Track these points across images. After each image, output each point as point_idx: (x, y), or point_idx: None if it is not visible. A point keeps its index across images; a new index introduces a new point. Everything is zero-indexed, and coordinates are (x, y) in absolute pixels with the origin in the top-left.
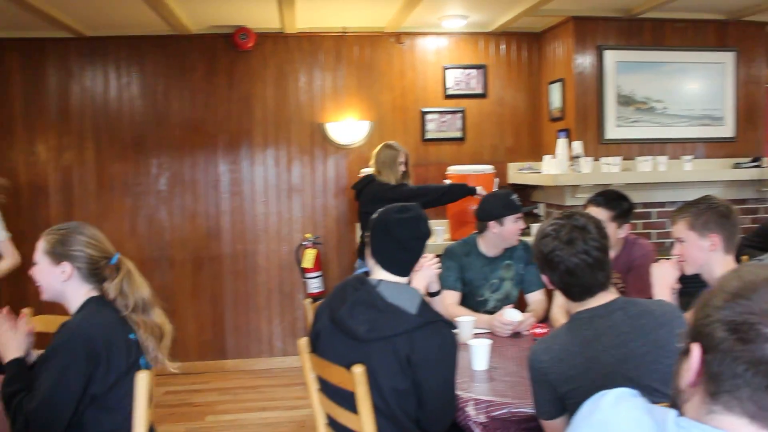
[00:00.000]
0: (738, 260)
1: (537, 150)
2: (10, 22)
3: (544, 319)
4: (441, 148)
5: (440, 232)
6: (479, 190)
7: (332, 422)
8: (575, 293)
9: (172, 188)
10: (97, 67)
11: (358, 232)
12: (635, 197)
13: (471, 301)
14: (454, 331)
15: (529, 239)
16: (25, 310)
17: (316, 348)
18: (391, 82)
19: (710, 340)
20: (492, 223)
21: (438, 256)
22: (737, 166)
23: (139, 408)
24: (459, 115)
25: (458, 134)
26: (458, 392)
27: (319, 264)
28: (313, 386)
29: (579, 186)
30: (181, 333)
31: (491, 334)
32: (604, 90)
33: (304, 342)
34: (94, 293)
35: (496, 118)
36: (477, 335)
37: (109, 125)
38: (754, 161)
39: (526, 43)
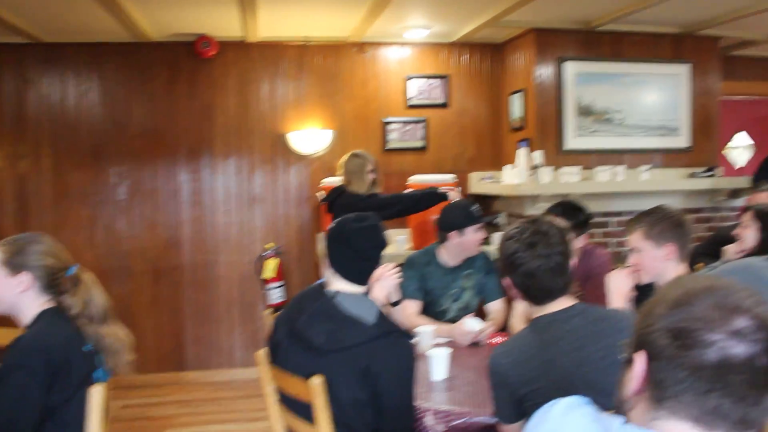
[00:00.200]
0: (692, 268)
1: (498, 160)
2: None
3: (504, 328)
4: (403, 158)
5: (402, 242)
6: (452, 195)
7: None
8: (535, 296)
9: (132, 197)
10: (55, 73)
11: (321, 243)
12: (594, 206)
13: (432, 311)
14: (414, 341)
15: (490, 249)
16: None
17: (274, 359)
18: (354, 92)
19: (654, 348)
20: (453, 233)
21: (399, 265)
22: (693, 175)
23: (93, 422)
24: (421, 124)
25: (420, 144)
26: (417, 402)
27: (281, 274)
28: (272, 398)
29: (539, 196)
30: (140, 344)
31: (451, 344)
32: (564, 101)
33: (262, 353)
34: (49, 305)
35: (458, 128)
36: (437, 345)
37: (66, 133)
38: (708, 171)
39: (487, 54)
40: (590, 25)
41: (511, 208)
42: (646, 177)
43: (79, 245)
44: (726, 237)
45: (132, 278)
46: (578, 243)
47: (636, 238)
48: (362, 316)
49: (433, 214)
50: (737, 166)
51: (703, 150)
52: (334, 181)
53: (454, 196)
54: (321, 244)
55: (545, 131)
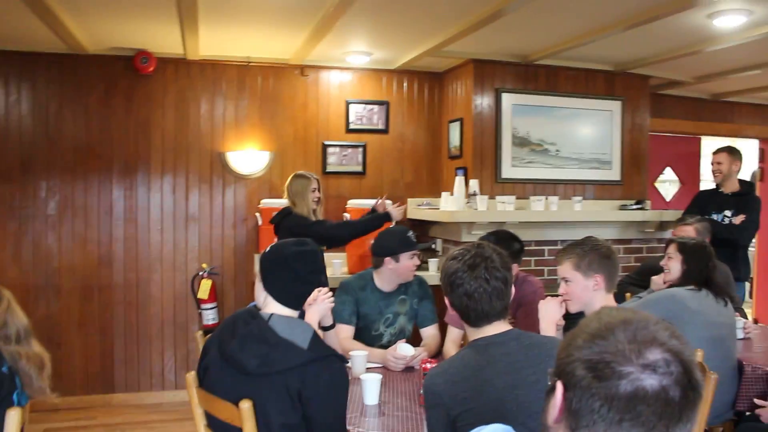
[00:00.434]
0: (623, 297)
1: (436, 186)
2: None
3: (438, 353)
4: (341, 182)
5: (339, 266)
6: (395, 214)
7: None
8: (472, 318)
9: (62, 212)
10: None
11: (257, 264)
12: (528, 235)
13: (366, 335)
14: (347, 365)
15: (425, 274)
16: None
17: (204, 382)
18: (294, 114)
19: (571, 378)
20: (387, 259)
21: (332, 289)
22: (623, 207)
23: None
24: (360, 149)
25: (359, 168)
26: (349, 427)
27: (215, 295)
28: (201, 422)
29: (475, 223)
30: (66, 365)
31: (384, 369)
32: (501, 131)
33: (191, 376)
34: None
35: (397, 154)
36: (370, 369)
37: None
38: (638, 203)
39: (427, 82)
40: (527, 59)
41: (448, 235)
42: (579, 208)
43: (4, 261)
44: (654, 267)
45: (60, 296)
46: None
47: (565, 269)
48: (296, 340)
49: (371, 238)
50: (668, 199)
51: (633, 183)
52: (273, 202)
53: (397, 215)
54: (257, 266)
55: (483, 160)
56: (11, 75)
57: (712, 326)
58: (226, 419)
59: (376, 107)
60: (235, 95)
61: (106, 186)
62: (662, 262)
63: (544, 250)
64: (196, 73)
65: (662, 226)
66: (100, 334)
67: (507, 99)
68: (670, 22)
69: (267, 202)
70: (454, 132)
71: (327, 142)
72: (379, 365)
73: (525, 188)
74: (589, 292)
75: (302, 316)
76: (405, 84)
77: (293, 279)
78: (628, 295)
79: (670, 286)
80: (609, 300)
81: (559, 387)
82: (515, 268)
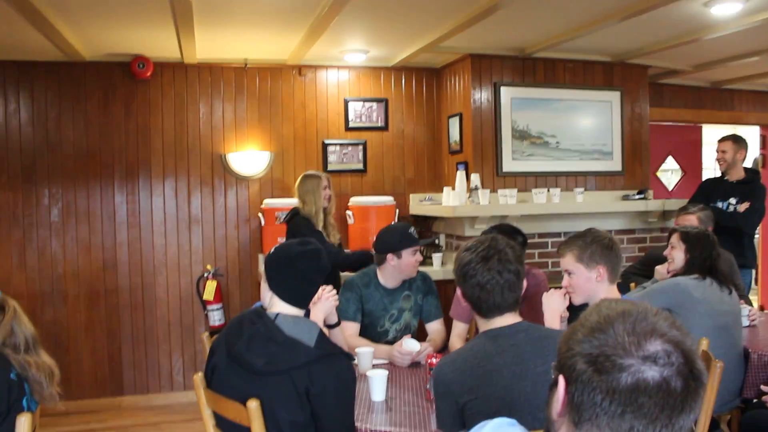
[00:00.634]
0: (627, 288)
1: (438, 182)
2: None
3: (443, 348)
4: (342, 180)
5: None
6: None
7: None
8: (484, 309)
9: (66, 219)
10: None
11: (261, 264)
12: (531, 228)
13: (372, 332)
14: (353, 362)
15: (429, 270)
16: None
17: (211, 383)
18: (293, 114)
19: (572, 372)
20: (390, 256)
21: (336, 288)
22: (625, 198)
23: None
24: (360, 147)
25: (359, 166)
26: (357, 423)
27: (220, 296)
28: (210, 422)
29: (477, 217)
30: (76, 369)
31: (390, 365)
32: (501, 124)
33: (199, 377)
34: None
35: (397, 150)
36: (376, 366)
37: None
38: (640, 193)
39: (425, 78)
40: (525, 52)
41: (451, 230)
42: (581, 199)
43: (10, 269)
44: (657, 257)
45: (66, 302)
46: None
47: (568, 261)
48: (302, 338)
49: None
50: (671, 188)
51: (634, 173)
52: (275, 202)
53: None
54: (262, 266)
55: (483, 154)
56: (9, 84)
57: (717, 315)
58: (234, 419)
59: (375, 105)
60: (233, 97)
61: (108, 191)
62: (665, 252)
63: (548, 242)
64: (194, 76)
65: (665, 215)
66: (108, 337)
67: (505, 93)
68: (667, 12)
69: (269, 203)
70: (454, 127)
71: (327, 141)
72: (386, 361)
73: (526, 181)
74: (592, 283)
75: (308, 314)
76: (403, 80)
77: (298, 278)
78: (632, 285)
79: (674, 275)
80: (612, 291)
81: (561, 381)
82: None
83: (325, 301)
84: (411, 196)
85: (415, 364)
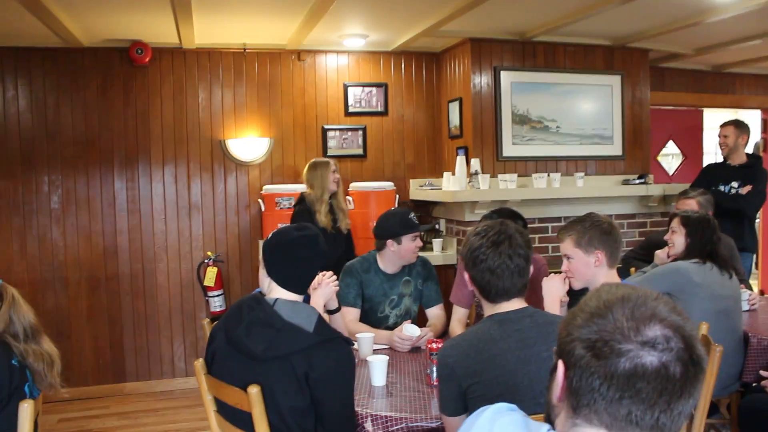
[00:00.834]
0: (627, 272)
1: (438, 167)
2: None
3: (443, 333)
4: (342, 165)
5: None
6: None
7: None
8: (492, 294)
9: (66, 206)
10: None
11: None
12: (531, 212)
13: (372, 318)
14: (353, 347)
15: (429, 255)
16: None
17: (212, 369)
18: (293, 99)
19: (571, 357)
20: (389, 241)
21: (336, 273)
22: (626, 182)
23: None
24: (360, 132)
25: (359, 151)
26: (357, 408)
27: (221, 282)
28: (211, 407)
29: (477, 202)
30: (77, 356)
31: (391, 350)
32: (501, 109)
33: (199, 363)
34: None
35: (397, 136)
36: (377, 351)
37: None
38: (640, 178)
39: (425, 63)
40: (525, 36)
41: (451, 215)
42: (581, 184)
43: (11, 256)
44: (658, 242)
45: (68, 289)
46: None
47: (567, 246)
48: (301, 324)
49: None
50: (671, 173)
51: (635, 157)
52: (275, 188)
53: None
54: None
55: (483, 139)
56: (7, 71)
57: (718, 299)
58: (235, 404)
59: (374, 89)
60: (232, 83)
61: (108, 178)
62: (666, 236)
63: (548, 227)
64: (193, 61)
65: (666, 199)
66: (109, 324)
67: (506, 77)
68: None
69: (269, 188)
70: (454, 112)
71: (327, 126)
72: (386, 346)
73: (526, 166)
74: (591, 268)
75: (307, 300)
76: (403, 65)
77: (296, 264)
78: (632, 269)
79: (675, 260)
80: (612, 276)
81: (561, 366)
82: None
83: (325, 286)
84: (411, 181)
85: (415, 350)
